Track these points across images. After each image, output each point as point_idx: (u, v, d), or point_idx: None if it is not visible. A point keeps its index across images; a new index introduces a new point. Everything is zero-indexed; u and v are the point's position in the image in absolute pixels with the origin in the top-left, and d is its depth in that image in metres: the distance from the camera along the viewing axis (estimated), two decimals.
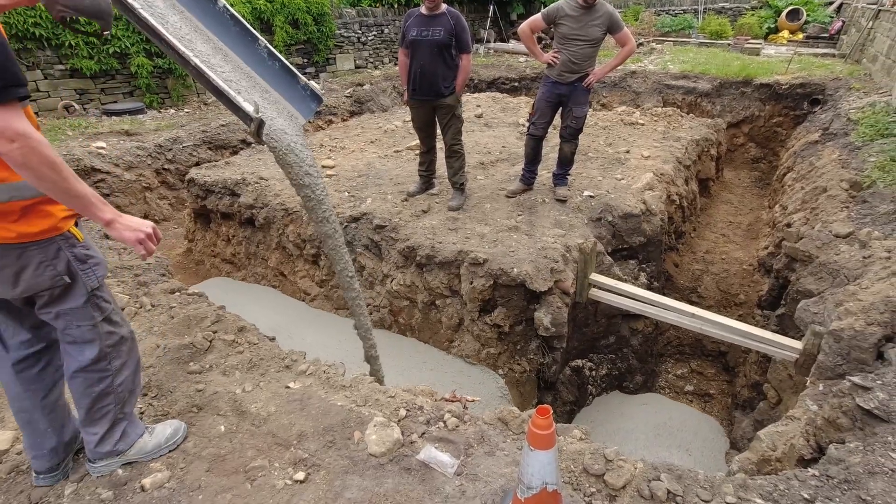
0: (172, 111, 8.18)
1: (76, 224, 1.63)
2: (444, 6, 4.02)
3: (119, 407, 1.85)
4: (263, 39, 2.12)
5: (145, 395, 2.35)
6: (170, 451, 2.04)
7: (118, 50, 7.49)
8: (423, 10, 4.02)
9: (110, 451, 1.88)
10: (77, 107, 7.33)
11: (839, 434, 2.24)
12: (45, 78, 7.08)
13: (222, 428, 2.18)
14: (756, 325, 3.88)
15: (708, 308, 4.82)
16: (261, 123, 1.81)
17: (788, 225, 4.70)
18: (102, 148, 6.15)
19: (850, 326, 2.67)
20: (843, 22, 11.75)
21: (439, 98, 4.17)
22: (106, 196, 6.02)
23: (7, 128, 1.25)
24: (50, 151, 1.32)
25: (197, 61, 1.67)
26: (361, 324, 2.86)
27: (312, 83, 2.20)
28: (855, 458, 1.94)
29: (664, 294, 4.70)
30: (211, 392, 2.38)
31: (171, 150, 6.73)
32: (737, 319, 3.95)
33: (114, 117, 7.41)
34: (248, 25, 2.09)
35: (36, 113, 7.02)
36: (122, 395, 1.84)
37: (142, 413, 2.23)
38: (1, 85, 1.24)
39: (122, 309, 3.02)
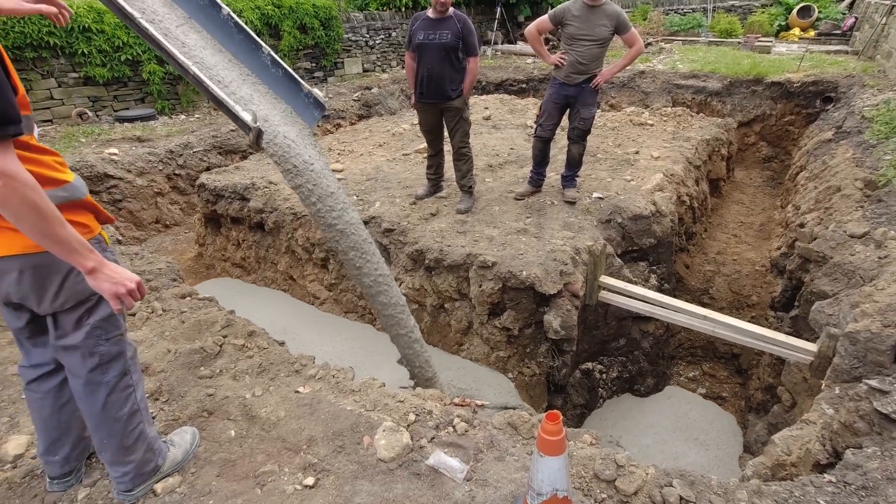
0: (183, 117, 8.26)
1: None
2: (451, 9, 4.02)
3: (147, 424, 1.83)
4: (267, 47, 2.13)
5: (157, 399, 2.37)
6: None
7: (130, 57, 7.59)
8: (430, 13, 4.02)
9: (154, 468, 1.87)
10: (90, 114, 7.43)
11: (856, 439, 2.20)
12: (59, 86, 7.18)
13: (232, 433, 2.19)
14: (769, 327, 3.83)
15: (720, 310, 4.76)
16: (259, 132, 1.81)
17: (801, 225, 4.63)
18: (115, 154, 6.23)
19: (866, 328, 2.62)
20: (856, 18, 11.57)
21: (447, 101, 4.17)
22: (118, 202, 6.09)
23: None
24: (34, 195, 1.24)
25: (196, 70, 1.68)
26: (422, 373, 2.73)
27: (316, 91, 2.20)
28: (873, 464, 1.90)
29: (675, 296, 4.66)
30: (221, 397, 2.39)
31: (181, 155, 6.80)
32: (749, 321, 3.90)
33: (126, 124, 7.50)
34: (252, 33, 2.10)
35: (50, 121, 7.14)
36: (145, 409, 1.83)
37: (153, 418, 2.24)
38: None
39: (134, 314, 3.05)
